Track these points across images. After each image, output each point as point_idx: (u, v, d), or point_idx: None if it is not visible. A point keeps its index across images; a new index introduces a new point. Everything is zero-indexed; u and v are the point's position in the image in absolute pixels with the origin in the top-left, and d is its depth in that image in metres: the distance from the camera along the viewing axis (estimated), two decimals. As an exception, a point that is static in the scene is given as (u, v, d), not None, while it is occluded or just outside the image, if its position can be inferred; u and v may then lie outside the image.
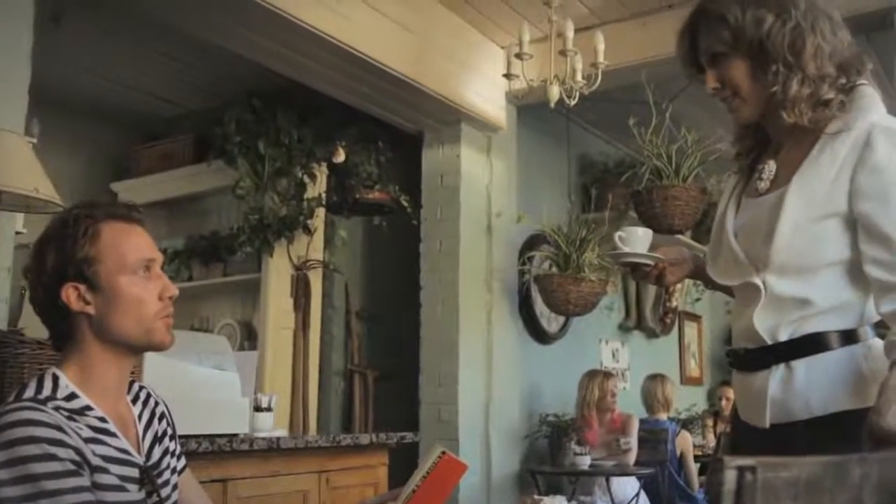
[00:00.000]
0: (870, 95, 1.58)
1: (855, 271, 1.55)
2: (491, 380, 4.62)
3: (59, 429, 1.35)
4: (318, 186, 4.56)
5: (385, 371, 4.94)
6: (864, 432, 1.38)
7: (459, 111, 4.48)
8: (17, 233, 2.81)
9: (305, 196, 4.49)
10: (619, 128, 4.90)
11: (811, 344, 1.55)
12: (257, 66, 4.05)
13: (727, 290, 1.81)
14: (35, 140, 2.98)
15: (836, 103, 1.55)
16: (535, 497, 1.44)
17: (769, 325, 1.58)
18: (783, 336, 1.57)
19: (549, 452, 5.02)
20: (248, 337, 4.76)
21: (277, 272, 4.51)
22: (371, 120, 4.52)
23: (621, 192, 4.99)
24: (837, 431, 1.48)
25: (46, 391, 1.43)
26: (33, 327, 2.11)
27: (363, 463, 3.07)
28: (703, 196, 4.22)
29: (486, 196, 4.77)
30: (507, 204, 4.84)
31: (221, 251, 4.87)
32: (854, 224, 1.52)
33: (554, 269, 4.63)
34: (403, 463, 1.57)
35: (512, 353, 4.82)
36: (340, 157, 4.31)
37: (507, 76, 3.91)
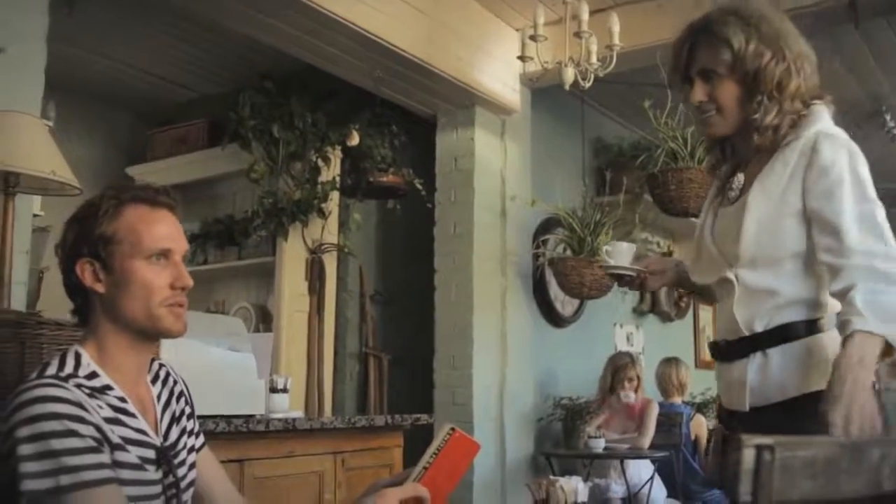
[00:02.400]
0: (818, 112, 1.80)
1: (810, 262, 1.75)
2: (505, 363, 4.63)
3: (81, 406, 1.37)
4: (332, 170, 4.56)
5: (399, 354, 4.95)
6: (819, 415, 1.56)
7: (473, 94, 4.47)
8: (35, 215, 2.82)
9: (319, 179, 4.49)
10: (634, 110, 4.88)
11: (783, 333, 1.74)
12: (271, 50, 4.05)
13: (705, 298, 2.06)
14: (51, 124, 3.00)
15: (789, 125, 1.79)
16: (551, 478, 1.45)
17: (746, 317, 1.78)
18: (759, 327, 1.76)
19: (563, 435, 5.02)
20: (264, 320, 4.78)
21: (292, 256, 4.52)
22: (385, 103, 4.51)
23: (636, 176, 4.97)
24: (810, 409, 1.62)
25: (68, 369, 1.46)
26: (52, 310, 2.14)
27: (378, 444, 3.09)
28: (718, 179, 4.19)
29: (500, 179, 4.76)
30: (522, 187, 4.83)
31: (236, 235, 4.88)
32: (808, 219, 1.73)
33: (568, 253, 4.62)
34: (418, 445, 1.58)
35: (526, 336, 4.82)
36: (354, 140, 4.30)
37: (522, 59, 3.89)
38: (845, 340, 1.61)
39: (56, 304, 1.67)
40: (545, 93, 4.79)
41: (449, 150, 4.73)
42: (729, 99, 1.81)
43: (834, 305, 1.73)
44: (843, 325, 1.63)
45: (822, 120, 1.79)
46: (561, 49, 3.92)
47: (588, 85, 3.86)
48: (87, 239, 1.50)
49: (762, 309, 1.76)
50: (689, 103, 1.90)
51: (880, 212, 1.70)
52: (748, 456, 0.90)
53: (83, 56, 4.82)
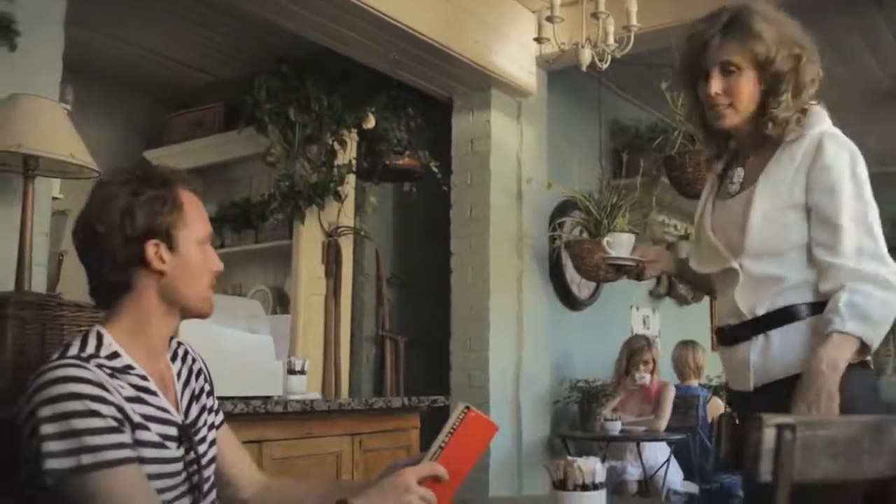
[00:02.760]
0: (819, 112, 1.89)
1: (811, 253, 1.82)
2: (521, 346, 4.63)
3: (102, 386, 1.38)
4: (348, 153, 4.56)
5: (416, 337, 4.96)
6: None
7: (489, 76, 4.46)
8: (54, 198, 2.84)
9: (336, 163, 4.49)
10: (651, 92, 4.84)
11: (785, 315, 1.82)
12: (287, 34, 4.05)
13: (700, 288, 2.15)
14: (69, 107, 3.01)
15: (794, 122, 1.87)
16: (569, 458, 1.45)
17: (748, 302, 1.85)
18: (761, 311, 1.84)
19: (579, 418, 5.03)
20: (281, 303, 4.80)
21: (309, 239, 4.53)
22: (401, 86, 4.50)
23: (653, 158, 4.94)
24: None
25: (90, 349, 1.47)
26: (71, 293, 2.15)
27: (395, 426, 3.10)
28: (736, 161, 4.17)
29: (516, 162, 4.75)
30: (538, 170, 4.82)
31: (253, 218, 4.90)
32: (810, 213, 1.81)
33: (585, 236, 4.61)
34: (435, 427, 1.60)
35: (542, 319, 4.82)
36: (370, 123, 4.29)
37: (538, 40, 3.87)
38: (823, 340, 1.71)
39: (76, 287, 1.68)
40: (562, 75, 4.76)
41: (465, 132, 4.72)
42: (748, 93, 1.87)
43: None
44: (824, 323, 1.73)
45: (825, 120, 1.88)
46: (578, 30, 3.89)
47: (605, 66, 3.84)
48: (160, 221, 1.53)
49: (765, 294, 1.84)
50: (683, 93, 2.01)
51: (874, 212, 1.80)
52: (769, 435, 0.90)
53: (101, 40, 4.83)
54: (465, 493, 1.57)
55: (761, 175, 1.86)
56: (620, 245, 2.21)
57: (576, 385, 5.00)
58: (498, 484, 4.30)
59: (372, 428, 2.99)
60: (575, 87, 5.09)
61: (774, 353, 1.82)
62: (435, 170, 4.45)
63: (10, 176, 2.45)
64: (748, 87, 1.86)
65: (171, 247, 1.54)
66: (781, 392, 1.76)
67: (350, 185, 4.59)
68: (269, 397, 2.66)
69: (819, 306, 1.79)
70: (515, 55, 4.55)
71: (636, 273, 2.21)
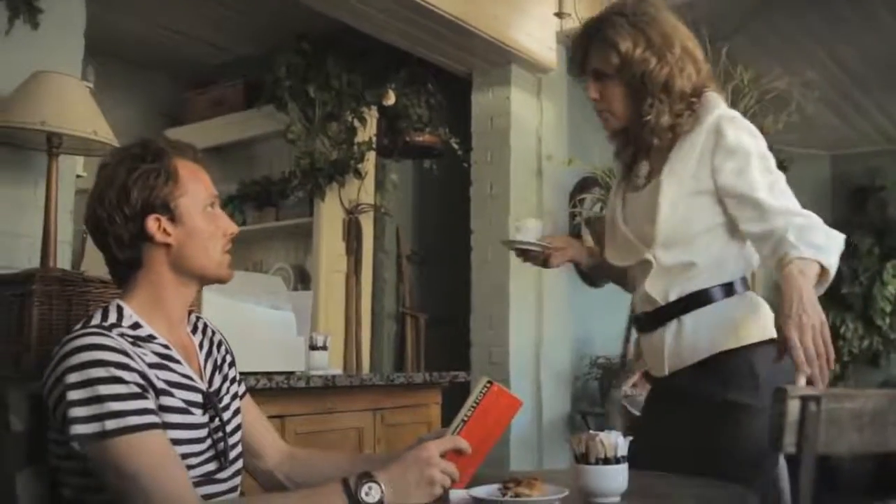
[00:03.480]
0: (713, 97, 1.92)
1: (726, 234, 1.88)
2: (542, 322, 4.63)
3: (125, 353, 1.40)
4: (368, 130, 4.56)
5: (436, 314, 4.97)
6: (778, 341, 1.65)
7: (509, 52, 4.43)
8: (78, 176, 2.86)
9: (356, 140, 4.49)
10: (672, 67, 4.79)
11: (697, 299, 1.86)
12: (307, 10, 4.03)
13: (617, 280, 2.21)
14: (91, 86, 3.02)
15: (686, 116, 1.90)
16: (591, 432, 1.45)
17: (661, 289, 1.90)
18: (673, 296, 1.88)
19: (599, 395, 5.03)
20: (302, 280, 4.83)
21: (329, 216, 4.54)
22: (421, 62, 4.48)
23: (674, 134, 4.89)
24: (720, 367, 1.82)
25: (112, 319, 1.49)
26: (95, 271, 2.17)
27: (416, 402, 3.12)
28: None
29: (536, 138, 4.73)
30: (558, 146, 4.79)
31: (274, 196, 4.91)
32: (719, 196, 1.85)
33: (605, 212, 4.58)
34: (456, 403, 1.62)
35: (562, 295, 4.82)
36: (390, 99, 4.29)
37: (559, 15, 3.85)
38: (784, 269, 1.71)
39: (99, 265, 1.69)
40: None
41: (485, 109, 4.70)
42: (617, 100, 1.94)
43: (744, 270, 1.92)
44: (779, 261, 1.73)
45: (719, 104, 1.90)
46: (598, 4, 3.85)
47: (626, 41, 3.80)
48: (157, 195, 1.53)
49: (676, 280, 1.88)
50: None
51: (783, 180, 1.87)
52: (793, 407, 0.90)
53: (121, 19, 4.83)
54: (485, 468, 1.58)
55: (665, 167, 1.89)
56: (528, 231, 2.18)
57: (596, 361, 5.00)
58: (518, 459, 4.32)
59: (393, 403, 3.01)
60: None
61: (687, 336, 1.87)
62: (455, 146, 4.45)
63: (34, 154, 2.47)
64: (617, 93, 1.93)
65: (174, 218, 1.54)
66: (692, 377, 1.85)
67: (370, 162, 4.59)
68: (291, 373, 2.68)
69: (729, 287, 1.87)
70: (535, 31, 4.52)
71: (542, 260, 2.19)
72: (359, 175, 4.48)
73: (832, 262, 1.73)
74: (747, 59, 4.21)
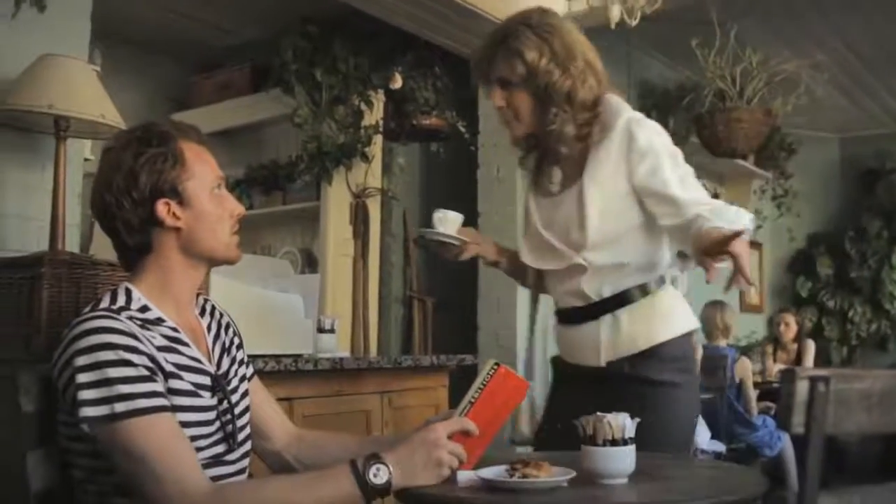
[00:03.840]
0: (616, 101, 2.01)
1: (649, 231, 1.98)
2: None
3: (133, 336, 1.41)
4: (375, 113, 4.55)
5: (443, 298, 4.97)
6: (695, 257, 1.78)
7: (517, 35, 4.40)
8: (86, 159, 2.86)
9: (363, 123, 4.48)
10: (680, 50, 4.78)
11: (631, 295, 1.98)
12: (313, -7, 4.02)
13: (524, 278, 2.27)
14: (98, 69, 3.02)
15: (589, 123, 1.99)
16: (598, 414, 1.46)
17: (594, 287, 2.00)
18: (607, 293, 1.99)
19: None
20: (309, 264, 4.83)
21: (336, 200, 4.54)
22: (427, 45, 4.47)
23: (682, 117, 4.89)
24: (656, 357, 1.96)
25: (120, 302, 1.50)
26: (104, 255, 2.17)
27: (424, 384, 3.13)
28: (767, 118, 4.12)
29: (543, 122, 4.70)
30: (566, 129, 4.76)
31: (281, 180, 4.91)
32: (637, 196, 1.94)
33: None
34: (463, 386, 1.64)
35: (570, 279, 4.80)
36: (397, 82, 4.28)
37: (567, -3, 3.82)
38: (703, 230, 1.77)
39: (108, 249, 1.69)
40: (590, 34, 4.57)
41: (492, 92, 4.67)
42: (524, 108, 2.00)
43: (670, 263, 2.04)
44: (697, 233, 1.79)
45: (624, 107, 1.99)
46: (605, -14, 3.84)
47: (634, 23, 3.78)
48: (165, 179, 1.53)
49: (609, 279, 1.98)
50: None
51: (692, 174, 1.98)
52: (802, 388, 0.90)
53: (128, 2, 4.82)
54: (493, 450, 1.59)
55: (585, 176, 1.96)
56: (448, 222, 2.20)
57: (603, 345, 5.00)
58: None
59: (401, 386, 3.02)
60: (603, 47, 4.96)
61: (624, 330, 1.97)
62: (462, 130, 4.44)
63: (42, 137, 2.47)
64: (523, 102, 1.99)
65: (182, 202, 1.54)
66: (630, 366, 1.96)
67: (377, 145, 4.58)
68: (299, 355, 2.68)
69: (660, 280, 2.01)
70: (543, 13, 4.48)
71: (455, 253, 2.22)
72: (366, 159, 4.48)
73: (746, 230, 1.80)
74: (756, 42, 4.19)
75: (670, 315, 2.01)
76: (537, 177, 2.15)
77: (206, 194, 1.57)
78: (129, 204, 1.52)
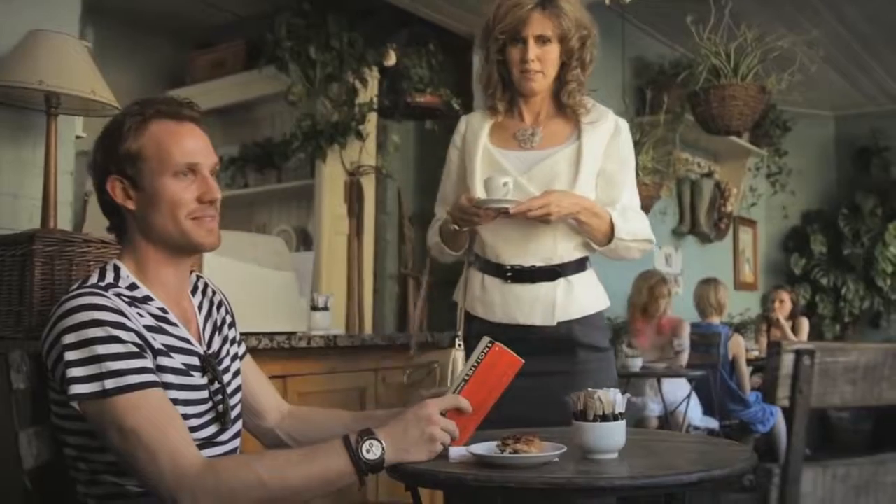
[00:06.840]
0: (599, 106, 2.27)
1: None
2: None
3: (121, 313, 1.40)
4: (369, 91, 4.53)
5: (438, 275, 4.96)
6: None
7: (511, 11, 4.37)
8: (77, 137, 2.85)
9: (357, 101, 4.46)
10: (675, 27, 4.76)
11: (581, 265, 2.20)
12: (307, -31, 3.99)
13: (460, 238, 2.33)
14: (90, 45, 3.00)
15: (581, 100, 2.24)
16: (589, 390, 1.47)
17: (557, 249, 2.14)
18: (566, 258, 2.16)
19: (601, 355, 5.05)
20: (304, 242, 4.82)
21: (331, 178, 4.52)
22: (422, 22, 4.44)
23: (677, 94, 4.88)
24: (597, 324, 2.21)
25: (108, 279, 1.49)
26: (97, 232, 2.17)
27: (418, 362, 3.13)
28: (762, 95, 4.10)
29: (538, 99, 4.69)
30: (560, 107, 4.75)
31: (275, 158, 4.89)
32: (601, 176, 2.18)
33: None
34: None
35: (564, 257, 4.81)
36: (391, 60, 4.25)
37: (561, -27, 3.80)
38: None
39: (102, 228, 1.69)
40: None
41: (486, 69, 4.65)
42: (554, 63, 2.17)
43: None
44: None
45: (608, 111, 2.26)
46: (601, -37, 3.81)
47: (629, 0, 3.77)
48: (114, 157, 1.51)
49: (569, 244, 2.16)
50: (484, 56, 2.22)
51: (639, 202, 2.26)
52: (787, 361, 0.91)
53: (119, -22, 4.79)
54: (486, 426, 1.59)
55: (583, 143, 2.16)
56: (507, 188, 2.12)
57: (598, 322, 5.01)
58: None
59: (395, 363, 3.03)
60: (599, 23, 4.96)
61: (577, 294, 2.15)
62: (457, 107, 4.41)
63: (33, 114, 2.46)
64: (555, 58, 2.16)
65: (135, 183, 1.51)
66: (577, 328, 2.13)
67: (371, 123, 4.56)
68: (293, 333, 2.69)
69: (588, 259, 2.23)
70: (538, -11, 4.46)
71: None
72: (360, 136, 4.46)
73: (623, 230, 2.12)
74: (751, 18, 4.17)
75: (601, 288, 2.26)
76: (502, 131, 2.26)
77: (166, 178, 1.51)
78: (97, 179, 1.54)
